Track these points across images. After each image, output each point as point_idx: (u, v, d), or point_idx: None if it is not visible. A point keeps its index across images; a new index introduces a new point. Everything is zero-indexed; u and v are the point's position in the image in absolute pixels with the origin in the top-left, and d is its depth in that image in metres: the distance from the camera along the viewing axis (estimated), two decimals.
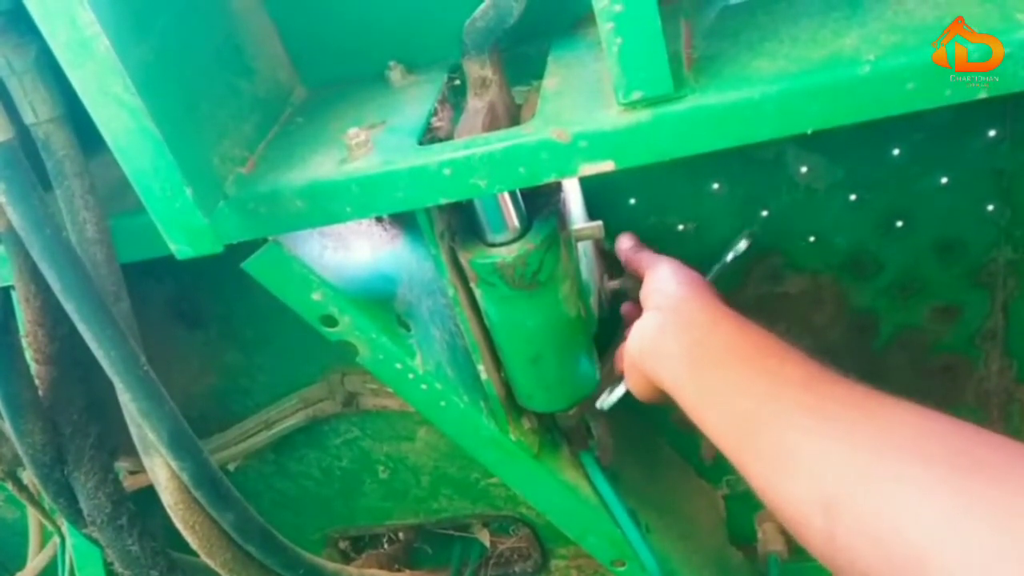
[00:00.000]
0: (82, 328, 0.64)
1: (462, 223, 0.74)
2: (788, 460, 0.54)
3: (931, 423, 0.50)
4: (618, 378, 0.87)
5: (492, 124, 0.66)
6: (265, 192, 0.65)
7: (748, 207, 0.92)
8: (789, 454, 0.54)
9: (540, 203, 0.74)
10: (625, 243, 0.91)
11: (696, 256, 0.94)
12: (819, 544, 0.50)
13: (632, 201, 0.94)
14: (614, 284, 0.94)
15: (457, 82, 0.76)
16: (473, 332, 0.79)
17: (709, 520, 1.20)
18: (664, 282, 0.80)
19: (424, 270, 0.87)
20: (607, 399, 0.89)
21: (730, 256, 0.91)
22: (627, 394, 0.86)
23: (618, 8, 0.53)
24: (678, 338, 0.72)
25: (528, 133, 0.60)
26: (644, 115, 0.58)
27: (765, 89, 0.56)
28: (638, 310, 0.84)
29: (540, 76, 0.69)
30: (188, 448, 0.69)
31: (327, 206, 0.65)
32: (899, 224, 0.91)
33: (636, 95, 0.57)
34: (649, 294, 0.81)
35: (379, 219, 0.87)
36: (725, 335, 0.69)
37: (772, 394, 0.59)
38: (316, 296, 0.75)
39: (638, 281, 0.84)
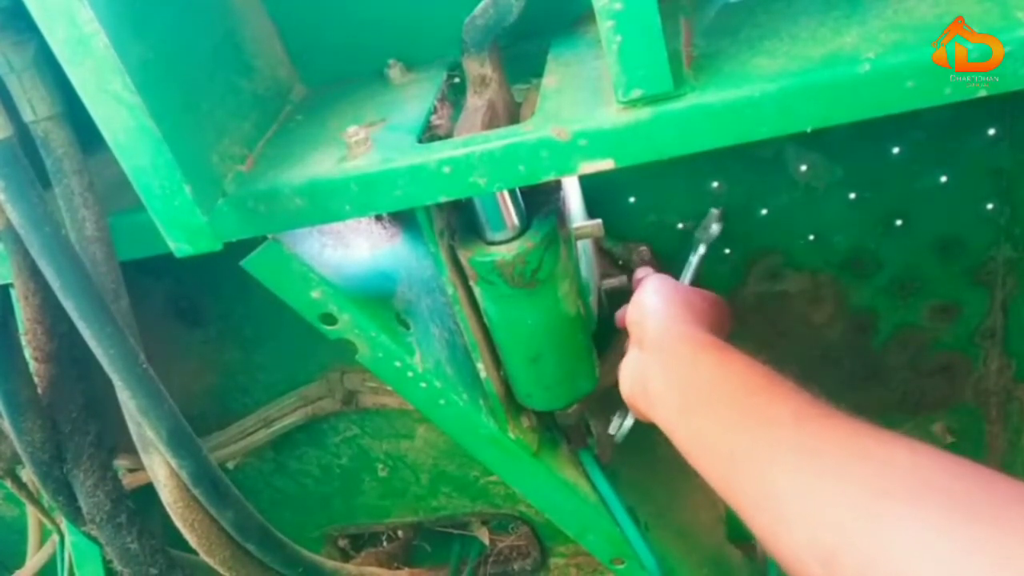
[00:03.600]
0: (81, 326, 0.64)
1: (461, 221, 0.74)
2: (781, 506, 0.52)
3: (924, 462, 0.48)
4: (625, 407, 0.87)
5: (492, 122, 0.66)
6: (264, 190, 0.65)
7: (747, 206, 0.92)
8: (782, 500, 0.52)
9: (540, 201, 0.74)
10: (640, 273, 0.91)
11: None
12: None
13: (632, 199, 0.94)
14: (613, 282, 0.94)
15: (457, 80, 0.76)
16: (472, 330, 0.79)
17: (708, 518, 1.20)
18: (642, 310, 0.78)
19: (423, 268, 0.87)
20: (619, 430, 0.89)
21: (702, 247, 0.89)
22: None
23: (618, 6, 0.53)
24: (662, 379, 0.71)
25: (528, 131, 0.60)
26: (644, 113, 0.58)
27: (765, 87, 0.56)
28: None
29: (540, 74, 0.69)
30: (187, 446, 0.69)
31: (326, 204, 0.65)
32: (898, 223, 0.91)
33: (636, 93, 0.57)
34: (629, 322, 0.80)
35: (378, 217, 0.87)
36: (708, 372, 0.67)
37: (760, 435, 0.57)
38: (315, 294, 0.75)
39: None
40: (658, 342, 0.73)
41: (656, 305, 0.78)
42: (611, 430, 0.90)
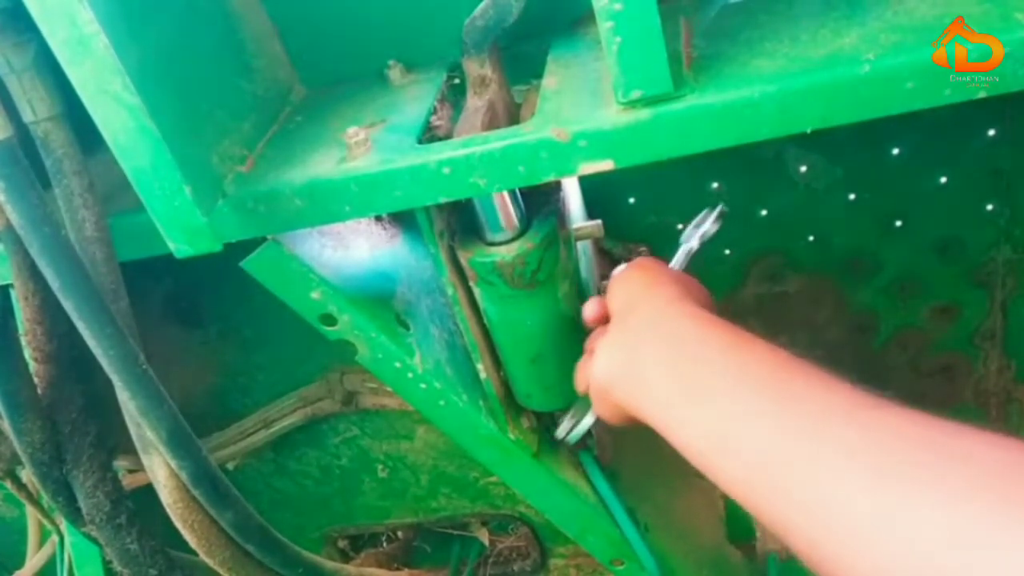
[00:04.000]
0: (81, 326, 0.64)
1: (461, 222, 0.74)
2: (846, 520, 0.43)
3: (1010, 458, 0.40)
4: (583, 402, 0.76)
5: (491, 123, 0.66)
6: (264, 191, 0.65)
7: (747, 207, 0.92)
8: (847, 511, 0.43)
9: (539, 202, 0.74)
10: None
11: (695, 256, 0.94)
12: None
13: (631, 200, 0.94)
14: None
15: (456, 81, 0.76)
16: (472, 331, 0.79)
17: (708, 518, 1.20)
18: (630, 284, 0.67)
19: (423, 269, 0.87)
20: (572, 430, 0.78)
21: (696, 240, 0.78)
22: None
23: (618, 7, 0.53)
24: (658, 359, 0.59)
25: (527, 132, 0.60)
26: (643, 114, 0.58)
27: (764, 88, 0.56)
28: (602, 313, 0.72)
29: (540, 75, 0.69)
30: (187, 447, 0.69)
31: (326, 205, 0.65)
32: (898, 224, 0.92)
33: (635, 94, 0.57)
34: (612, 298, 0.69)
35: (378, 218, 0.87)
36: (721, 352, 0.55)
37: (807, 430, 0.47)
38: (315, 295, 0.75)
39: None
40: (651, 317, 0.62)
41: (646, 280, 0.67)
42: (559, 434, 0.78)
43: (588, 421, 0.77)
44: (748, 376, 0.52)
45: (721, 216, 0.77)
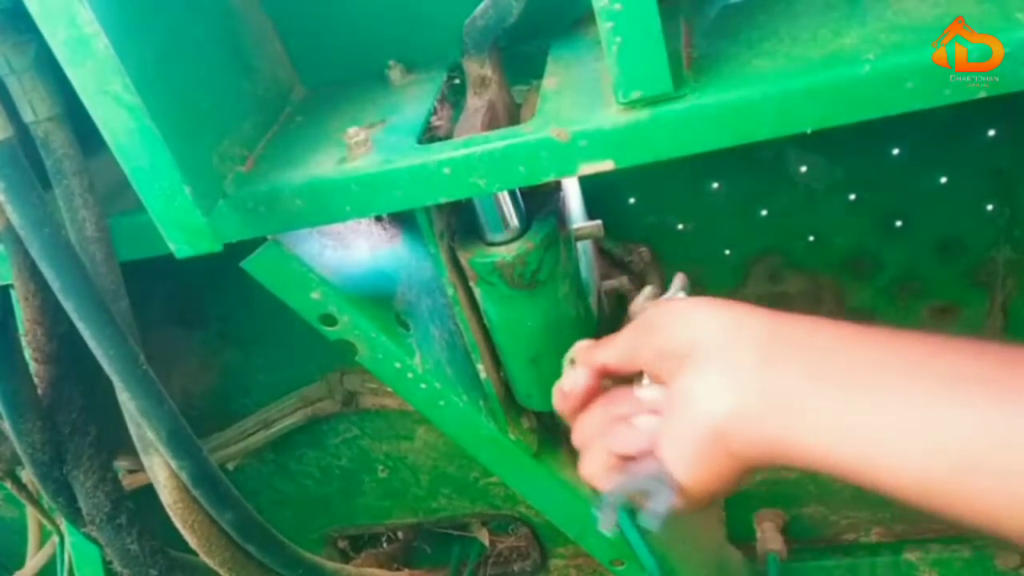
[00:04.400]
0: (81, 327, 0.64)
1: (461, 222, 0.74)
2: None
3: None
4: (644, 480, 0.54)
5: (491, 123, 0.66)
6: (264, 191, 0.65)
7: (747, 207, 0.92)
8: None
9: (539, 202, 0.74)
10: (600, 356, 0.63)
11: (696, 256, 0.94)
12: None
13: (632, 200, 0.94)
14: (613, 283, 0.94)
15: (457, 81, 0.76)
16: (472, 331, 0.79)
17: (708, 519, 1.20)
18: (695, 314, 0.55)
19: (423, 269, 0.87)
20: (652, 514, 0.53)
21: None
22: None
23: (618, 7, 0.53)
24: (819, 374, 0.48)
25: (528, 132, 0.60)
26: (643, 114, 0.58)
27: (764, 88, 0.56)
28: (595, 385, 0.60)
29: (540, 75, 0.69)
30: (187, 447, 0.69)
31: (326, 205, 0.65)
32: (898, 224, 0.92)
33: (635, 94, 0.57)
34: (673, 339, 0.55)
35: (378, 218, 0.87)
36: (902, 351, 0.48)
37: None
38: (315, 295, 0.75)
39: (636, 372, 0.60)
40: (770, 332, 0.52)
41: (719, 304, 0.56)
42: (603, 527, 0.57)
43: (668, 496, 0.53)
44: (952, 371, 0.45)
45: (684, 287, 0.68)
